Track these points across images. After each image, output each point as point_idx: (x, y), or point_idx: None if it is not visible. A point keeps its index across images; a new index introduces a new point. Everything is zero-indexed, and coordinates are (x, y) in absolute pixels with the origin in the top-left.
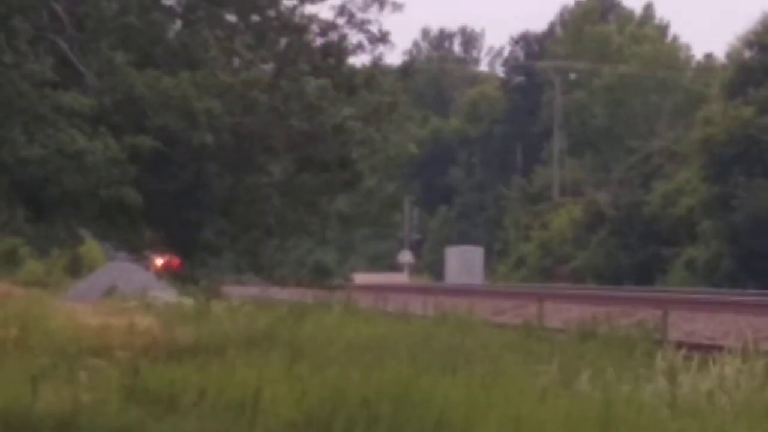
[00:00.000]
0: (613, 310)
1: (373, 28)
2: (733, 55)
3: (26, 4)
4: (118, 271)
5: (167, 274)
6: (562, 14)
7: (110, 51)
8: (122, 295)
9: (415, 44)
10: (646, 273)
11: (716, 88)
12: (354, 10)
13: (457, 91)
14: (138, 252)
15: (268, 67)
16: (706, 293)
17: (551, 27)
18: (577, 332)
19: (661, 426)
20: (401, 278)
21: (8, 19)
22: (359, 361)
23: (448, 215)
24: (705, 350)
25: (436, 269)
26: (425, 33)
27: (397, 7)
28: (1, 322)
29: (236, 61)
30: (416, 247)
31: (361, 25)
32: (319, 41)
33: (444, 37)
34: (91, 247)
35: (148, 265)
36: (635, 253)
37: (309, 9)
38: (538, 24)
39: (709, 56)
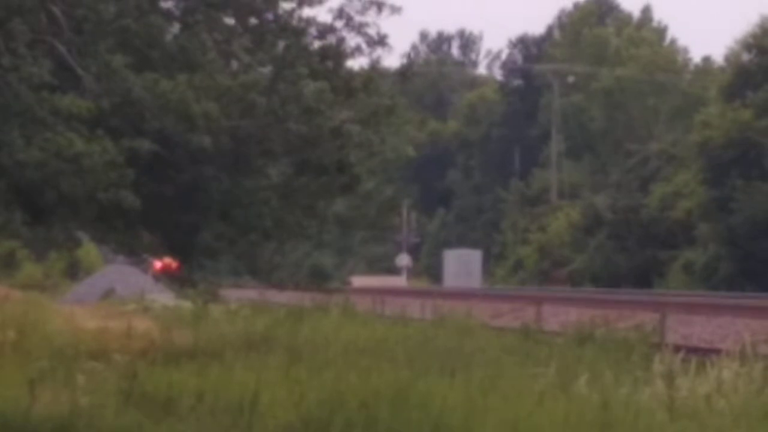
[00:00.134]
0: (611, 313)
1: (371, 31)
2: (731, 58)
3: (24, 6)
4: (115, 274)
5: (165, 277)
6: (560, 17)
7: (108, 54)
8: (120, 298)
9: (414, 47)
10: (644, 276)
11: (714, 91)
12: (352, 13)
13: (455, 94)
14: (136, 255)
15: (266, 70)
16: (704, 296)
17: (549, 30)
18: (575, 335)
19: (659, 429)
20: (399, 281)
21: (6, 22)
22: (357, 365)
23: (446, 218)
24: (703, 353)
25: (434, 272)
26: (423, 36)
27: (395, 10)
28: None
29: (234, 64)
30: (414, 250)
31: (359, 28)
32: (317, 44)
33: (442, 40)
34: (89, 250)
35: (146, 269)
36: (633, 256)
37: (307, 12)
38: (536, 27)
39: (707, 59)
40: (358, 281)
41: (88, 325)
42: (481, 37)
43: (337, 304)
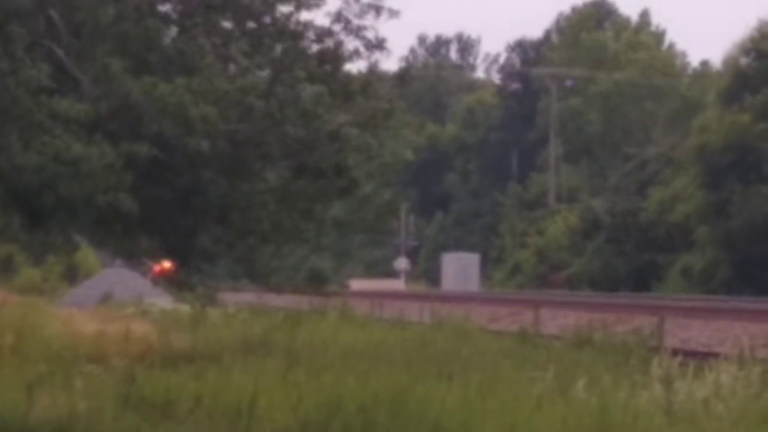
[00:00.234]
0: (609, 316)
1: (370, 35)
2: (729, 62)
3: (22, 10)
4: (114, 277)
5: (163, 280)
6: (558, 21)
7: (106, 58)
8: (118, 301)
9: (412, 51)
10: (642, 280)
11: (712, 95)
12: (350, 16)
13: (453, 97)
14: (134, 259)
15: (264, 73)
16: (702, 300)
17: (547, 34)
18: (573, 339)
19: None
20: (397, 285)
21: (4, 26)
22: (355, 368)
23: (445, 222)
24: (701, 357)
25: (433, 276)
26: (422, 39)
27: (394, 14)
28: None
29: (232, 68)
30: (412, 254)
31: (357, 32)
32: (315, 48)
33: (440, 43)
34: (87, 254)
35: (144, 272)
36: (631, 260)
37: (305, 15)
38: (535, 31)
39: (705, 63)
40: (357, 284)
41: (86, 328)
42: (479, 41)
43: (335, 308)
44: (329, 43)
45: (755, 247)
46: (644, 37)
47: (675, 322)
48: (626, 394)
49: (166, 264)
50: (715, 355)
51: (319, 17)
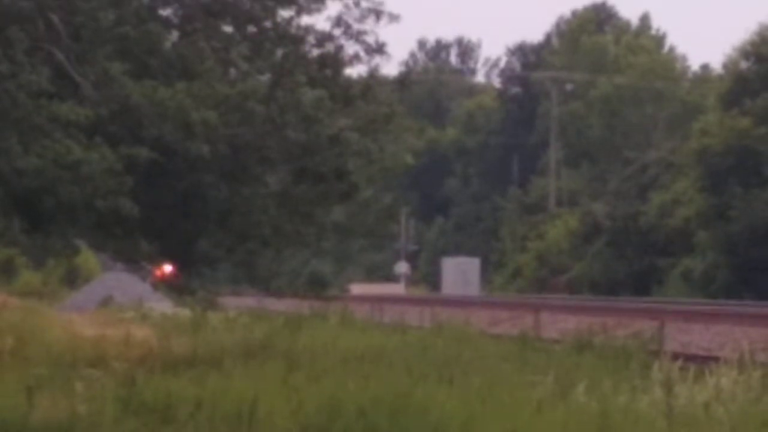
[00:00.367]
0: (610, 321)
1: (370, 39)
2: (729, 66)
3: (22, 14)
4: (114, 281)
5: (164, 284)
6: (558, 25)
7: (107, 61)
8: (118, 305)
9: (412, 55)
10: (642, 284)
11: (713, 98)
12: (350, 21)
13: (453, 101)
14: (135, 263)
15: (265, 78)
16: (702, 304)
17: (548, 38)
18: (573, 343)
19: None
20: (398, 289)
21: (4, 30)
22: (356, 372)
23: (445, 226)
24: (701, 361)
25: (433, 280)
26: (422, 44)
27: (394, 18)
28: None
29: (233, 72)
30: (413, 258)
31: (357, 36)
32: (315, 52)
33: (440, 47)
34: (88, 257)
35: (145, 276)
36: (632, 264)
37: (305, 20)
38: (535, 35)
39: (705, 67)
40: (357, 289)
41: (87, 332)
42: (479, 45)
43: (336, 312)
44: (330, 47)
45: (756, 250)
46: (644, 40)
47: (675, 326)
48: (627, 398)
49: (167, 268)
50: (716, 359)
51: (319, 22)
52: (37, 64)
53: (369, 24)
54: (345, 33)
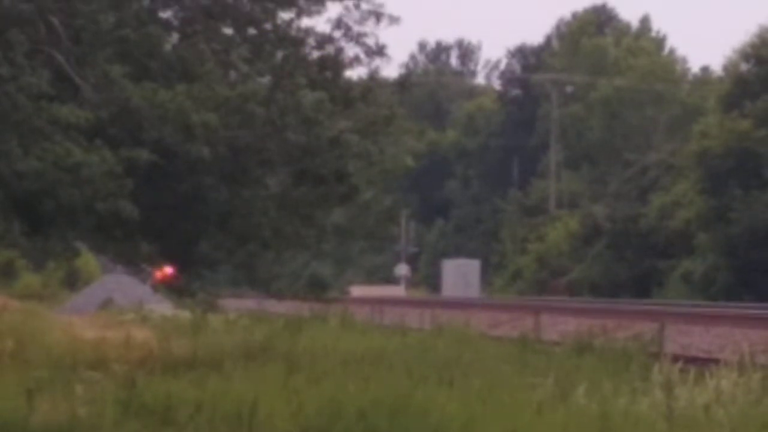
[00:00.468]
0: (610, 322)
1: (370, 42)
2: (729, 68)
3: (23, 16)
4: (114, 284)
5: (164, 286)
6: (558, 27)
7: (107, 64)
8: (118, 307)
9: (412, 57)
10: (642, 286)
11: (713, 101)
12: (351, 23)
13: (453, 103)
14: (135, 265)
15: (265, 80)
16: (702, 306)
17: (548, 40)
18: (573, 345)
19: None
20: (398, 291)
21: (4, 32)
22: (356, 374)
23: (445, 228)
24: (702, 363)
25: (433, 282)
26: (422, 46)
27: (394, 20)
28: None
29: (233, 75)
30: (413, 260)
31: (357, 39)
32: (315, 54)
33: (441, 50)
34: (88, 260)
35: (145, 278)
36: (632, 266)
37: (306, 22)
38: (535, 37)
39: (705, 69)
40: (357, 291)
41: (87, 334)
42: (479, 47)
43: (336, 314)
44: (330, 49)
45: (756, 252)
46: (645, 42)
47: (675, 328)
48: (627, 400)
49: (167, 270)
50: (716, 362)
51: (319, 24)
52: (38, 66)
53: (369, 26)
54: (345, 35)
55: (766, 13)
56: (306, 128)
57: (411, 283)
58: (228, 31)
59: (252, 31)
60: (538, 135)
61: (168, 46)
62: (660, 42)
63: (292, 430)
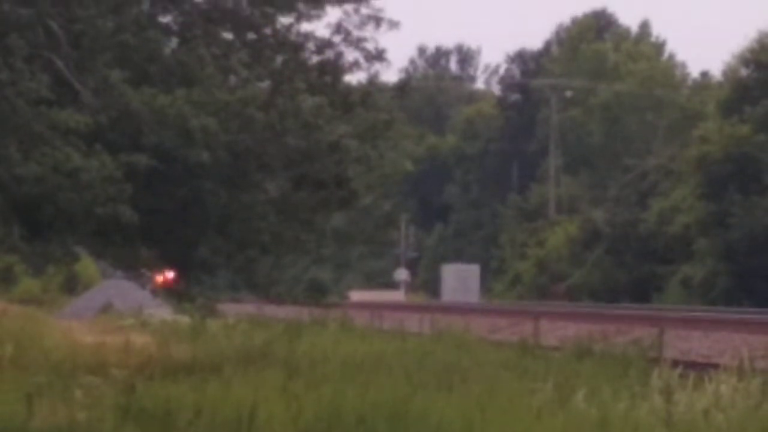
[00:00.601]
0: (609, 328)
1: (370, 46)
2: (729, 73)
3: (22, 21)
4: (113, 289)
5: (163, 291)
6: (558, 32)
7: (106, 69)
8: (118, 312)
9: (412, 62)
10: (642, 291)
11: (712, 106)
12: (350, 28)
13: (453, 108)
14: (134, 270)
15: (264, 84)
16: (702, 311)
17: (547, 45)
18: (573, 350)
19: None
20: (397, 296)
21: (4, 37)
22: (355, 379)
23: (445, 233)
24: (701, 368)
25: (432, 287)
26: (421, 51)
27: (394, 25)
28: None
29: (232, 79)
30: (412, 265)
31: (357, 43)
32: (315, 59)
33: (440, 54)
34: (87, 265)
35: (144, 283)
36: (631, 271)
37: (305, 27)
38: (534, 42)
39: (705, 74)
40: (357, 296)
41: (86, 339)
42: (479, 52)
43: (335, 319)
44: (329, 54)
45: (755, 258)
46: (644, 47)
47: (675, 333)
48: (626, 405)
49: (166, 274)
50: (715, 366)
51: (319, 29)
52: (37, 71)
53: (369, 31)
54: (345, 40)
55: (765, 18)
56: (305, 133)
57: (410, 288)
58: (227, 35)
59: (251, 35)
60: (538, 140)
61: (167, 51)
62: (659, 47)
63: None
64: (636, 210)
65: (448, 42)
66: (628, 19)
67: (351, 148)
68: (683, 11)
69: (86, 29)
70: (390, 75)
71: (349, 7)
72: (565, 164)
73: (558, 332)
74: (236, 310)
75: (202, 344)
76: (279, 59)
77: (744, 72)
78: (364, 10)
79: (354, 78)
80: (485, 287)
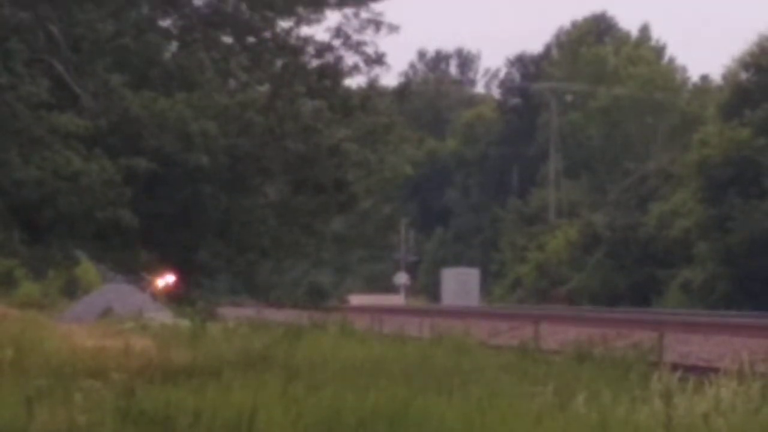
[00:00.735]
0: (609, 331)
1: (369, 50)
2: (729, 77)
3: (22, 25)
4: (113, 292)
5: (163, 295)
6: (558, 36)
7: (106, 73)
8: (118, 316)
9: (412, 66)
10: (642, 294)
11: (712, 109)
12: (350, 31)
13: (453, 112)
14: (134, 273)
15: (264, 88)
16: (702, 315)
17: (547, 48)
18: (573, 354)
19: None
20: (397, 300)
21: (4, 41)
22: (355, 383)
23: (445, 237)
24: (701, 372)
25: (432, 291)
26: (421, 54)
27: (393, 29)
28: None
29: (232, 83)
30: (412, 269)
31: (357, 47)
32: (314, 63)
33: (440, 58)
34: (87, 268)
35: (144, 287)
36: (631, 275)
37: (305, 31)
38: (535, 45)
39: (705, 78)
40: (356, 299)
41: (86, 343)
42: (479, 56)
43: (335, 323)
44: (329, 58)
45: (755, 261)
46: (644, 51)
47: (675, 336)
48: (626, 409)
49: (167, 278)
50: (715, 370)
51: (318, 32)
52: (37, 75)
53: (368, 35)
54: (344, 44)
55: (765, 21)
56: (305, 137)
57: (410, 292)
58: (227, 39)
59: (251, 39)
60: (538, 144)
61: (167, 55)
62: (659, 51)
63: None
64: (636, 214)
65: (448, 46)
66: (628, 22)
67: (351, 152)
68: (683, 15)
69: (86, 33)
70: (390, 79)
71: (348, 11)
72: (565, 168)
73: (558, 336)
74: (236, 313)
75: (201, 348)
76: (279, 63)
77: (744, 76)
78: (364, 14)
79: (354, 82)
80: (485, 291)
